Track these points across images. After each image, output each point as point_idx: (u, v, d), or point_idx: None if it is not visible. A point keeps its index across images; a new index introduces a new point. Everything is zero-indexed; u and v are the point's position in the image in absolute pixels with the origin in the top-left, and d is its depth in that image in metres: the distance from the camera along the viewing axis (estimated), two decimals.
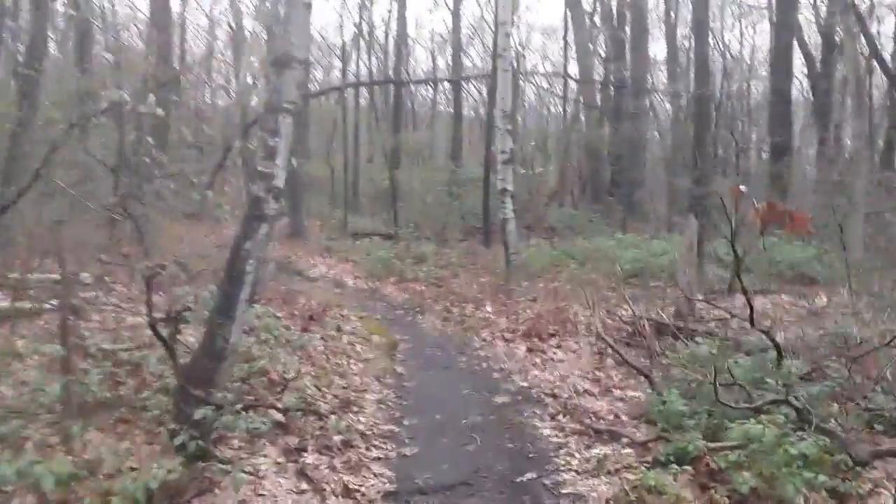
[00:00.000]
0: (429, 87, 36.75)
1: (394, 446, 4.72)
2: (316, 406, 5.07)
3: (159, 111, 4.11)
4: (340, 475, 4.11)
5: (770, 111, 16.99)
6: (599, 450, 4.55)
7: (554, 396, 5.87)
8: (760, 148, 25.97)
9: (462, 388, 6.21)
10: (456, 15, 26.89)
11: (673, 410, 4.51)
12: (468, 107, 35.66)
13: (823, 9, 21.44)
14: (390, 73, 29.16)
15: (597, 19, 24.73)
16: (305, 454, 4.34)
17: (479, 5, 34.68)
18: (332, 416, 4.95)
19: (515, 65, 22.77)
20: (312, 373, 6.00)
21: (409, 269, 12.54)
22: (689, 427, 4.35)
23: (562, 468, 4.34)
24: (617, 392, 6.05)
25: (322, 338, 7.51)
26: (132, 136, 4.37)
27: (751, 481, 3.65)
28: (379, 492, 3.97)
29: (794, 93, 21.08)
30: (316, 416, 4.94)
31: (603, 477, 4.12)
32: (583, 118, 25.50)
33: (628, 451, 4.49)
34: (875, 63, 20.23)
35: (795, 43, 18.82)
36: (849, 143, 24.87)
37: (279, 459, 4.18)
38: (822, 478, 3.62)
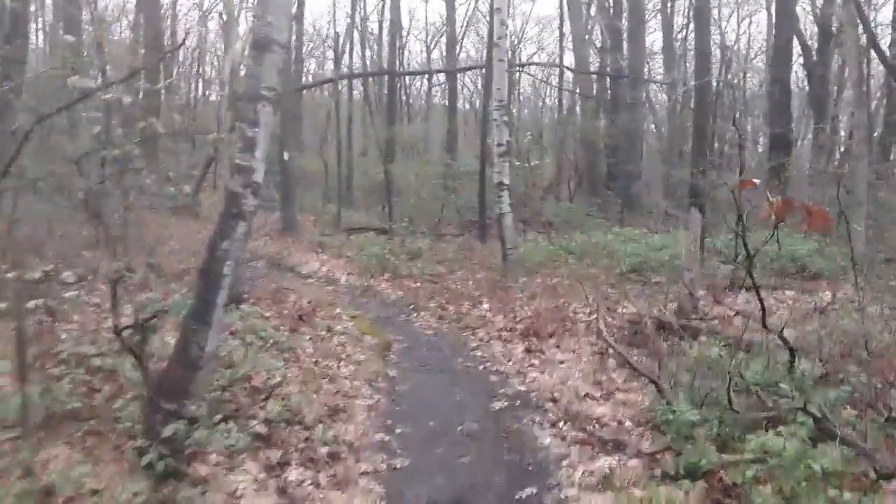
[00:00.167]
0: (423, 79, 36.44)
1: (384, 458, 4.43)
2: (302, 415, 4.77)
3: (126, 98, 3.77)
4: (325, 492, 3.82)
5: (770, 102, 16.71)
6: (604, 461, 4.26)
7: (554, 401, 5.58)
8: (756, 139, 25.77)
9: (457, 392, 5.92)
10: (450, 5, 26.53)
11: (683, 420, 4.21)
12: (463, 99, 35.42)
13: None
14: (384, 64, 28.79)
15: (593, 9, 24.38)
16: (289, 468, 4.05)
17: None
18: (319, 426, 4.65)
19: (511, 55, 22.47)
20: (300, 377, 5.70)
21: (404, 265, 12.22)
22: (700, 437, 4.06)
23: (564, 482, 4.06)
24: (620, 395, 5.76)
25: (311, 339, 7.21)
26: (118, 130, 4.05)
27: (770, 499, 3.37)
28: None
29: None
30: (301, 425, 4.64)
31: (609, 492, 3.84)
32: (578, 110, 25.19)
33: (634, 462, 4.21)
34: (872, 52, 20.04)
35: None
36: (843, 133, 24.79)
37: (260, 476, 3.88)
38: (847, 495, 3.34)
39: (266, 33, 3.64)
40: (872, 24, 20.22)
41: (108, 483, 3.32)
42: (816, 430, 3.94)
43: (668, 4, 26.90)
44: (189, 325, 3.71)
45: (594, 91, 21.84)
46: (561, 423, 5.10)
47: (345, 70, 27.78)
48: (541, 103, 36.37)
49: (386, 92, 27.47)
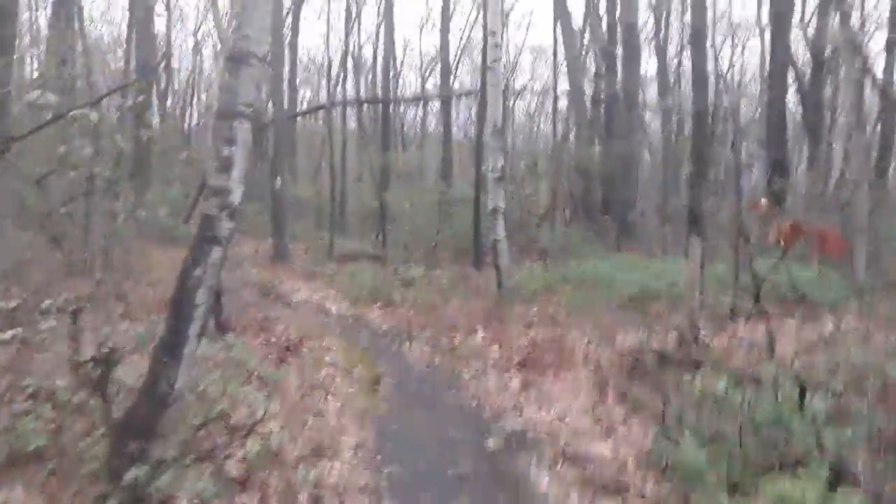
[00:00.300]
0: (418, 107, 36.49)
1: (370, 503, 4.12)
2: (283, 454, 4.46)
3: (93, 116, 3.54)
4: None
5: (767, 128, 16.61)
6: None
7: (551, 439, 5.28)
8: (751, 165, 25.73)
9: (450, 429, 5.61)
10: (444, 33, 26.60)
11: (691, 463, 3.92)
12: (458, 127, 35.43)
13: (811, 27, 21.41)
14: (379, 92, 28.79)
15: (587, 36, 24.45)
16: None
17: (468, 22, 34.39)
18: (301, 467, 4.34)
19: (505, 84, 22.43)
20: (283, 413, 5.39)
21: (397, 293, 11.95)
22: (709, 481, 3.78)
23: None
24: (621, 431, 5.47)
25: (298, 371, 6.91)
26: (86, 150, 3.82)
27: None
28: None
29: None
30: (282, 466, 4.33)
31: None
32: (573, 137, 25.14)
33: None
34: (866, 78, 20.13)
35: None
36: (838, 159, 24.79)
37: None
38: None
39: (243, 46, 3.41)
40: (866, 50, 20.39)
41: None
42: (833, 473, 3.67)
43: (661, 32, 27.05)
44: (158, 358, 3.43)
45: (588, 116, 21.79)
46: (559, 464, 4.80)
47: (338, 97, 27.76)
48: (535, 130, 36.46)
49: (380, 120, 27.43)
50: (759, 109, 28.15)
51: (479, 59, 24.48)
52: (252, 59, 3.44)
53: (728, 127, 25.09)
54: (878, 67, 19.89)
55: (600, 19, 23.53)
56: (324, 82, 31.61)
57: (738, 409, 4.28)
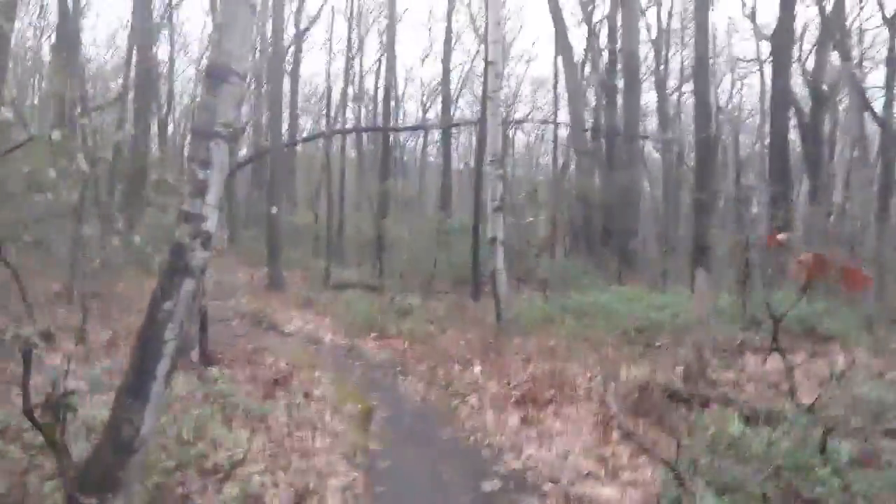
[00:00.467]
0: (419, 137, 36.52)
1: None
2: (263, 501, 4.13)
3: (56, 134, 3.29)
4: None
5: (770, 159, 16.46)
6: None
7: (553, 482, 4.94)
8: (749, 197, 25.62)
9: (445, 470, 5.27)
10: (446, 63, 26.67)
11: None
12: (458, 157, 35.41)
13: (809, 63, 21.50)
14: (379, 121, 28.77)
15: (587, 68, 24.47)
16: None
17: (470, 54, 34.49)
18: None
19: (505, 113, 22.37)
20: (268, 452, 5.05)
21: (392, 323, 11.63)
22: None
23: None
24: (626, 475, 5.13)
25: (286, 406, 6.57)
26: (51, 173, 3.56)
27: None
28: None
29: None
30: None
31: None
32: (572, 167, 25.03)
33: None
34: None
35: None
36: (838, 192, 24.72)
37: None
38: None
39: (223, 62, 3.16)
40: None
41: None
42: None
43: (662, 66, 27.11)
44: (122, 400, 3.12)
45: (589, 147, 21.69)
46: None
47: (338, 126, 27.71)
48: (535, 162, 36.43)
49: (381, 149, 27.34)
50: (758, 143, 28.15)
51: (479, 91, 24.51)
52: (232, 77, 3.19)
53: (728, 158, 25.06)
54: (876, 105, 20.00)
55: (601, 52, 23.57)
56: (325, 111, 31.65)
57: (755, 452, 3.96)
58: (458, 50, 36.00)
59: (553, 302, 12.88)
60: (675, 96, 28.56)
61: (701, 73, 13.92)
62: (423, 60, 43.35)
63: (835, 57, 21.66)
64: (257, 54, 28.26)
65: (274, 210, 16.69)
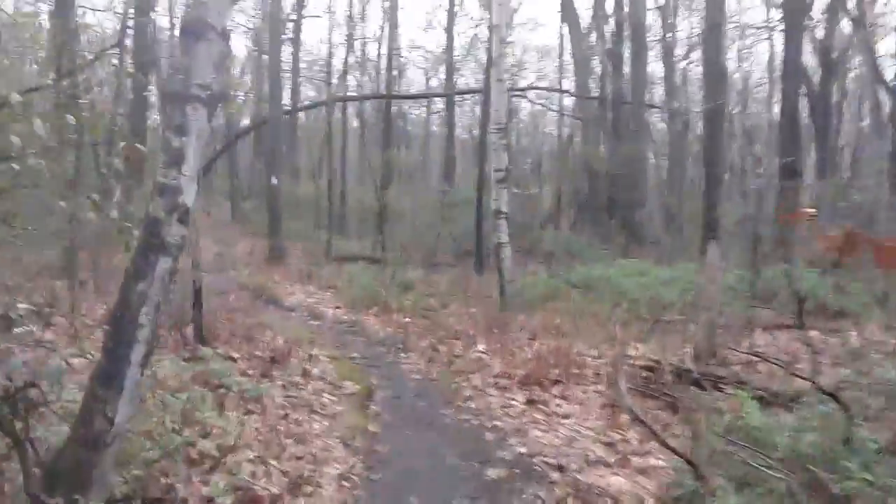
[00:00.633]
0: (422, 106, 35.97)
1: None
2: (253, 491, 3.90)
3: (14, 97, 2.99)
4: None
5: (781, 132, 16.01)
6: None
7: (560, 469, 4.71)
8: (757, 167, 25.18)
9: (447, 454, 5.03)
10: (449, 32, 26.08)
11: None
12: (461, 127, 34.86)
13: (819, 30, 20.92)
14: (382, 89, 28.25)
15: (594, 36, 23.87)
16: None
17: (472, 20, 33.75)
18: None
19: (510, 82, 21.85)
20: (260, 437, 4.82)
21: (395, 297, 11.38)
22: None
23: None
24: (637, 461, 4.91)
25: (283, 386, 6.35)
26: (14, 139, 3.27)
27: None
28: None
29: None
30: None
31: None
32: (579, 137, 24.57)
33: None
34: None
35: None
36: (846, 163, 24.31)
37: None
38: None
39: (200, 16, 2.83)
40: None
41: None
42: None
43: (669, 34, 26.47)
44: (94, 389, 2.86)
45: (595, 114, 21.24)
46: (569, 499, 4.24)
47: (340, 94, 27.21)
48: (540, 131, 35.88)
49: (383, 118, 26.88)
50: (764, 113, 27.60)
51: (484, 59, 23.96)
52: (210, 33, 2.86)
53: (734, 128, 24.54)
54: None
55: (607, 19, 22.96)
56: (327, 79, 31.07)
57: (775, 442, 3.71)
58: (462, 18, 35.28)
59: (557, 276, 12.61)
60: (683, 63, 27.92)
61: (712, 39, 13.42)
62: (426, 30, 42.60)
63: (846, 23, 21.14)
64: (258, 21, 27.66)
65: (274, 181, 16.37)
